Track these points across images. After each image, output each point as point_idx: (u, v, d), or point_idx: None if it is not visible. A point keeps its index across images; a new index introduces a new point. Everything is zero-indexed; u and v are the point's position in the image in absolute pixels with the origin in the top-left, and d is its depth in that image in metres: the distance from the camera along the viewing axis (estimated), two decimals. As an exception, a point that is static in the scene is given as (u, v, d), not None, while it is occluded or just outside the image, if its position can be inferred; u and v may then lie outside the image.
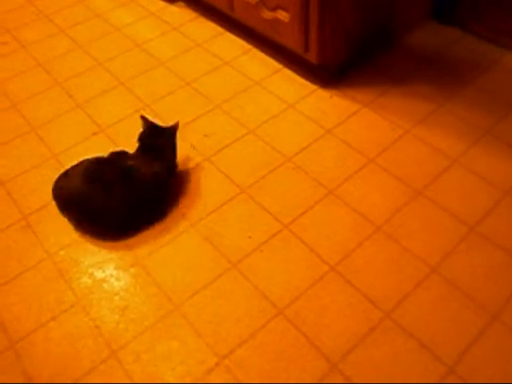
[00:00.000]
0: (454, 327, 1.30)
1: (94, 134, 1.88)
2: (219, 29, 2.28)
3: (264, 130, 1.82)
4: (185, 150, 1.76)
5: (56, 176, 1.65)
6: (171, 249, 1.52)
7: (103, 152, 1.66)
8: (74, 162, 1.63)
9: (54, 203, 1.61)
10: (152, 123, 1.63)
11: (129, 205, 1.53)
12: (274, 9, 1.90)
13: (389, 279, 1.41)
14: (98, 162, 1.59)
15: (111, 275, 1.48)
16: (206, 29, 2.29)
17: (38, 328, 1.38)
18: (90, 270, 1.50)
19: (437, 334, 1.29)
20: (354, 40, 1.93)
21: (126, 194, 1.52)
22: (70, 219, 1.60)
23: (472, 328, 1.30)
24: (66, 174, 1.61)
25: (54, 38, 2.34)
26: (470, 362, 1.24)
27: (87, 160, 1.60)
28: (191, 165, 1.72)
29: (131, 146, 1.70)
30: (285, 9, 1.86)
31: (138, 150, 1.62)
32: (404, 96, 1.89)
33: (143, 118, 1.64)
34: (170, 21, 2.36)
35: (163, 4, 2.45)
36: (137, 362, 1.30)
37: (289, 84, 1.98)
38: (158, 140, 1.61)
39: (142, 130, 1.63)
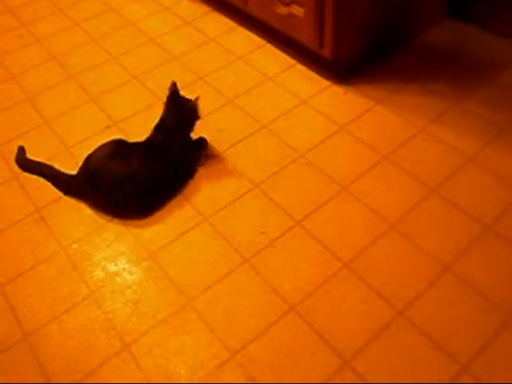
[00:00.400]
0: (468, 326, 1.30)
1: (107, 127, 1.88)
2: (232, 23, 2.27)
3: (277, 125, 1.82)
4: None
5: (69, 169, 1.67)
6: (184, 243, 1.52)
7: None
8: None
9: (66, 197, 1.64)
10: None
11: (156, 172, 1.60)
12: (288, 4, 1.89)
13: (402, 277, 1.40)
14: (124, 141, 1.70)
15: (124, 269, 1.48)
16: (219, 23, 2.28)
17: (52, 320, 1.39)
18: (103, 263, 1.50)
19: (450, 333, 1.29)
20: (369, 36, 1.92)
21: (152, 162, 1.60)
22: (93, 192, 1.61)
23: (486, 327, 1.29)
24: (94, 151, 1.65)
25: (69, 31, 2.34)
26: (485, 362, 1.23)
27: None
28: (204, 159, 1.72)
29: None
30: (299, 4, 1.85)
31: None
32: (419, 93, 1.88)
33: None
34: (184, 15, 2.35)
35: (177, -2, 2.46)
36: (149, 356, 1.31)
37: (302, 80, 1.97)
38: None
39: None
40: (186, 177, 1.68)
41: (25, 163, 1.76)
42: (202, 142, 1.73)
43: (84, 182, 1.62)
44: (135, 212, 1.60)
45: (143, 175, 1.58)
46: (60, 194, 1.67)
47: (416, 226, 1.51)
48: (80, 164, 1.64)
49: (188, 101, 1.68)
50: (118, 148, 1.64)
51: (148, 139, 1.68)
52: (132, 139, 1.79)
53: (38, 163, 1.74)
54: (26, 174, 1.74)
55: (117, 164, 1.58)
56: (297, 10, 1.86)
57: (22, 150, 1.78)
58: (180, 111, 1.67)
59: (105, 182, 1.57)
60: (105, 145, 1.65)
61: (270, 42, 2.15)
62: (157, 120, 1.69)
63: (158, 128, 1.68)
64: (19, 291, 1.46)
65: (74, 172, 1.65)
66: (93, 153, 1.64)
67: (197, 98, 1.66)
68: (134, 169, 1.57)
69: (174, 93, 1.68)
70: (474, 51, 2.02)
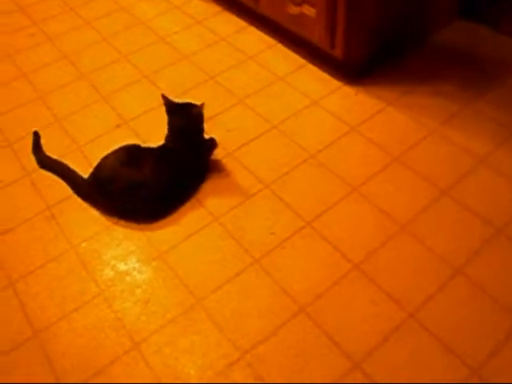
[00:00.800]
0: (479, 330, 1.29)
1: (118, 126, 1.88)
2: (243, 23, 2.27)
3: (288, 125, 1.81)
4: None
5: (80, 167, 1.68)
6: (193, 243, 1.52)
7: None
8: (98, 154, 1.65)
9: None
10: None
11: (169, 180, 1.59)
12: (299, 3, 1.89)
13: (413, 279, 1.40)
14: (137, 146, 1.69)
15: (133, 268, 1.48)
16: (230, 23, 2.28)
17: (61, 318, 1.39)
18: (113, 262, 1.50)
19: (461, 336, 1.28)
20: (381, 37, 1.91)
21: (165, 170, 1.59)
22: (104, 198, 1.61)
23: (497, 330, 1.28)
24: (105, 157, 1.65)
25: (80, 30, 2.35)
26: (496, 366, 1.22)
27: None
28: (214, 159, 1.72)
29: (154, 139, 1.71)
30: (311, 4, 1.84)
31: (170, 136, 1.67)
32: (430, 95, 1.87)
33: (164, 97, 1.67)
34: (194, 14, 2.35)
35: (188, -3, 2.46)
36: (158, 355, 1.31)
37: (313, 80, 1.97)
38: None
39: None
40: (198, 181, 1.67)
41: (42, 158, 1.77)
42: (211, 142, 1.72)
43: (95, 190, 1.61)
44: (146, 219, 1.59)
45: (155, 183, 1.56)
46: (70, 192, 1.67)
47: (427, 228, 1.50)
48: (91, 165, 1.64)
49: (193, 107, 1.64)
50: (130, 155, 1.63)
51: (161, 147, 1.66)
52: (142, 138, 1.80)
53: (55, 161, 1.74)
54: (38, 172, 1.74)
55: (128, 172, 1.57)
56: (308, 10, 1.86)
57: (37, 138, 1.80)
58: (182, 121, 1.64)
59: (116, 189, 1.56)
60: (116, 151, 1.64)
61: (280, 41, 2.14)
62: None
63: (170, 137, 1.66)
64: (29, 289, 1.46)
65: (86, 173, 1.66)
66: (104, 160, 1.63)
67: (202, 105, 1.62)
68: (145, 176, 1.56)
69: (168, 105, 1.66)
70: (486, 53, 2.01)
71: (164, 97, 1.65)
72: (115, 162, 1.61)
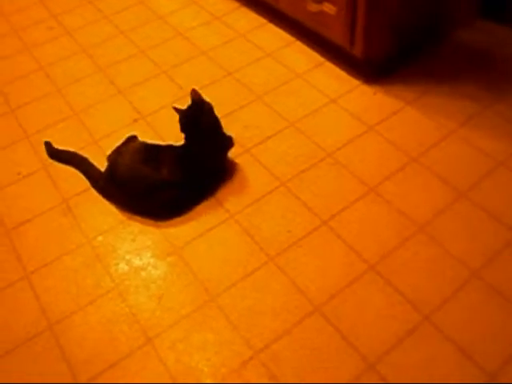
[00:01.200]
0: (496, 334, 1.27)
1: (135, 120, 1.88)
2: (262, 20, 2.26)
3: (305, 123, 1.80)
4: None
5: (97, 160, 1.68)
6: (209, 239, 1.52)
7: (143, 139, 1.69)
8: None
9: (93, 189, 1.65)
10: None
11: (188, 178, 1.57)
12: (320, 1, 1.88)
13: (429, 281, 1.38)
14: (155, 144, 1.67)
15: (148, 263, 1.48)
16: (248, 19, 2.27)
17: (76, 311, 1.40)
18: (128, 257, 1.50)
19: (477, 341, 1.26)
20: (401, 35, 1.89)
21: (183, 171, 1.56)
22: (121, 196, 1.60)
23: (515, 336, 1.27)
24: (118, 152, 1.64)
25: (98, 23, 2.35)
26: (513, 371, 1.21)
27: (137, 140, 1.69)
28: (231, 156, 1.71)
29: (171, 134, 1.71)
30: (331, 1, 1.83)
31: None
32: (450, 95, 1.85)
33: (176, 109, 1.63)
34: (213, 10, 2.35)
35: (206, -7, 2.45)
36: (172, 351, 1.31)
37: (331, 78, 1.95)
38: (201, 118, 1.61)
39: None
40: (216, 180, 1.65)
41: (57, 154, 1.77)
42: (229, 140, 1.68)
43: (112, 187, 1.60)
44: (162, 218, 1.58)
45: (174, 184, 1.55)
46: (87, 185, 1.67)
47: (444, 230, 1.48)
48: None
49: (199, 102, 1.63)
50: (148, 153, 1.60)
51: (180, 146, 1.63)
52: (159, 133, 1.80)
53: (73, 154, 1.74)
54: (55, 165, 1.75)
55: (146, 172, 1.55)
56: (328, 8, 1.84)
57: (49, 145, 1.79)
58: (198, 118, 1.61)
59: (133, 190, 1.56)
60: (134, 149, 1.62)
61: (299, 39, 2.13)
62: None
63: (190, 139, 1.62)
64: (45, 281, 1.47)
65: (103, 166, 1.66)
66: (121, 157, 1.60)
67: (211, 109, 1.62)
68: (164, 177, 1.54)
69: (180, 112, 1.62)
70: (507, 53, 1.98)
71: (174, 108, 1.62)
72: (133, 160, 1.58)
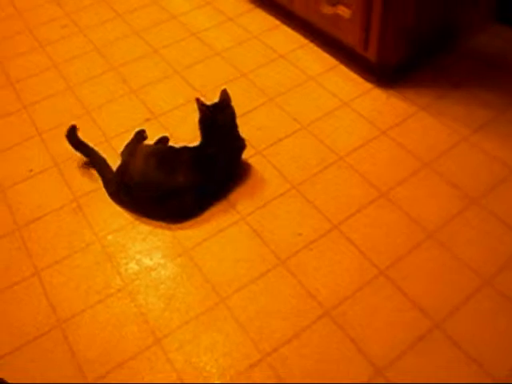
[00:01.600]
0: (507, 343, 1.26)
1: (147, 120, 1.88)
2: (276, 21, 2.26)
3: (317, 126, 1.80)
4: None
5: (108, 159, 1.69)
6: (219, 241, 1.51)
7: (155, 138, 1.71)
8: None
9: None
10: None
11: (204, 184, 1.56)
12: (334, 4, 1.87)
13: (440, 288, 1.37)
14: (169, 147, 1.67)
15: (158, 263, 1.48)
16: (262, 20, 2.27)
17: (85, 310, 1.40)
18: (138, 257, 1.51)
19: (488, 349, 1.25)
20: (415, 40, 1.88)
21: (199, 174, 1.55)
22: (132, 202, 1.59)
23: (526, 345, 1.26)
24: (131, 153, 1.63)
25: (111, 22, 2.36)
26: (525, 381, 1.20)
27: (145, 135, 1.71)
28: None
29: (183, 135, 1.71)
30: (346, 5, 1.82)
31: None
32: (463, 101, 1.84)
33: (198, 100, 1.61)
34: (226, 11, 2.35)
35: (220, -7, 2.45)
36: (180, 352, 1.30)
37: (344, 81, 1.95)
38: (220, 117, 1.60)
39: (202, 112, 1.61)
40: (229, 183, 1.64)
41: (77, 143, 1.74)
42: (242, 143, 1.67)
43: (123, 194, 1.59)
44: (174, 221, 1.57)
45: (189, 190, 1.53)
46: (98, 184, 1.68)
47: (456, 237, 1.47)
48: (120, 157, 1.64)
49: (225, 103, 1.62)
50: (162, 157, 1.58)
51: (195, 150, 1.61)
52: (171, 134, 1.80)
53: (93, 151, 1.72)
54: (66, 163, 1.76)
55: (160, 177, 1.53)
56: (343, 11, 1.84)
57: (72, 132, 1.76)
58: (221, 116, 1.60)
59: (146, 196, 1.54)
60: (147, 154, 1.59)
61: (313, 41, 2.13)
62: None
63: (207, 139, 1.61)
64: (54, 278, 1.47)
65: (114, 165, 1.66)
66: (133, 162, 1.58)
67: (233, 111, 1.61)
68: (179, 183, 1.52)
69: (205, 106, 1.60)
70: (524, 60, 1.97)
71: (198, 100, 1.59)
72: (146, 166, 1.55)
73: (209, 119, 1.58)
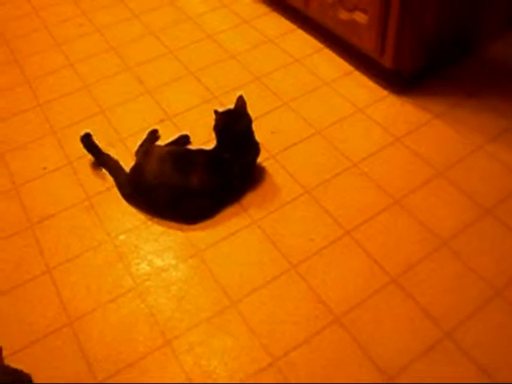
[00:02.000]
0: (519, 355, 1.26)
1: (161, 120, 1.89)
2: (291, 25, 2.26)
3: (331, 132, 1.80)
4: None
5: (121, 159, 1.69)
6: (231, 244, 1.52)
7: (169, 139, 1.71)
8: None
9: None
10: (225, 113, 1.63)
11: (218, 186, 1.56)
12: (351, 10, 1.87)
13: (451, 298, 1.37)
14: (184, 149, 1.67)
15: (170, 264, 1.49)
16: (278, 24, 2.27)
17: (96, 309, 1.41)
18: (149, 257, 1.51)
19: (498, 361, 1.25)
20: (432, 47, 1.88)
21: (214, 176, 1.55)
22: (146, 204, 1.60)
23: (538, 358, 1.25)
24: (145, 154, 1.63)
25: (128, 22, 2.37)
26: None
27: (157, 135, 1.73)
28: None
29: (197, 136, 1.71)
30: (363, 10, 1.82)
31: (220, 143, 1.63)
32: (479, 109, 1.83)
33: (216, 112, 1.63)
34: (242, 14, 2.35)
35: (237, -4, 2.46)
36: (190, 354, 1.31)
37: (359, 87, 1.95)
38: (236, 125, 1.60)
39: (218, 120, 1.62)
40: (243, 187, 1.64)
41: (92, 147, 1.73)
42: (257, 148, 1.66)
43: (137, 195, 1.59)
44: (187, 223, 1.58)
45: (203, 193, 1.54)
46: (110, 183, 1.68)
47: (468, 246, 1.47)
48: (133, 157, 1.64)
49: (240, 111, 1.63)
50: (176, 158, 1.58)
51: (211, 152, 1.61)
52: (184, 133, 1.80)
53: (106, 155, 1.72)
54: (80, 161, 1.76)
55: (174, 179, 1.53)
56: (360, 17, 1.84)
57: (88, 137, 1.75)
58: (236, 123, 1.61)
59: (160, 197, 1.54)
60: (161, 157, 1.58)
61: (328, 46, 2.13)
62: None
63: (223, 144, 1.61)
64: (66, 277, 1.48)
65: (128, 165, 1.66)
66: (148, 164, 1.58)
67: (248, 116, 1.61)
68: (193, 185, 1.52)
69: (220, 114, 1.62)
70: (541, 70, 1.96)
71: (217, 112, 1.61)
72: (161, 168, 1.55)
73: (224, 127, 1.59)
